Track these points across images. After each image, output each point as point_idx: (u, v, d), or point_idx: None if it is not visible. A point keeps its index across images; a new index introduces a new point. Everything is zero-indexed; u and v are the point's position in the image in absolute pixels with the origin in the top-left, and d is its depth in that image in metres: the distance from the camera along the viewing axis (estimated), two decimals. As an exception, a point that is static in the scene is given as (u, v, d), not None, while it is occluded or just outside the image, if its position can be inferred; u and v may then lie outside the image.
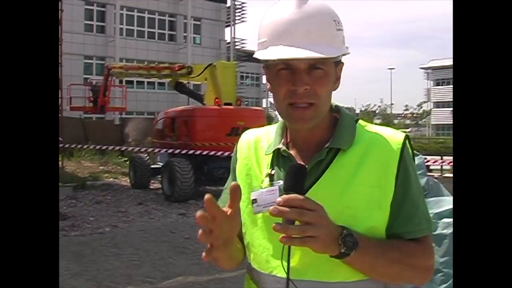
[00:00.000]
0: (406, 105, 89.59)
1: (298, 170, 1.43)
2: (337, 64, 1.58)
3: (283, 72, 1.53)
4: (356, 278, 1.50)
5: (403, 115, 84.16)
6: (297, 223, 1.37)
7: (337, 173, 1.54)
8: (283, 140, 1.67)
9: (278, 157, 1.64)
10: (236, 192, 1.40)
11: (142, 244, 8.82)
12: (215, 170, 13.83)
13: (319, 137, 1.60)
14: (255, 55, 1.59)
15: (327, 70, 1.52)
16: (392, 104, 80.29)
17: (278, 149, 1.64)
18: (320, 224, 1.36)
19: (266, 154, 1.67)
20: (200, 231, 1.38)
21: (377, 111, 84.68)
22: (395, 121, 79.54)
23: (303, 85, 1.50)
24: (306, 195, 1.44)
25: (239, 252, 1.69)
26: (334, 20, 1.53)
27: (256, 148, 1.72)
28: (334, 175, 1.54)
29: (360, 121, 1.66)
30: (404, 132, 1.64)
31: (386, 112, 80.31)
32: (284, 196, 1.36)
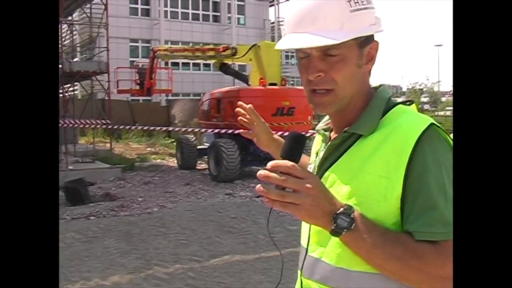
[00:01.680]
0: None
1: (295, 138, 1.42)
2: (364, 44, 1.53)
3: (303, 60, 1.54)
4: (358, 269, 1.45)
5: (451, 93, 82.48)
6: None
7: (351, 159, 1.51)
8: (328, 122, 1.72)
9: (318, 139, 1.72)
10: (252, 112, 2.25)
11: (189, 224, 8.92)
12: (261, 150, 13.84)
13: (348, 120, 1.57)
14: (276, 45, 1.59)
15: (343, 54, 1.49)
16: (439, 81, 78.53)
17: (318, 130, 1.71)
18: (304, 192, 1.31)
19: (316, 136, 1.77)
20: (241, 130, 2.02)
21: (424, 89, 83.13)
22: (443, 99, 78.00)
23: (315, 73, 1.50)
24: (323, 177, 1.51)
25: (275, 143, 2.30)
26: (349, 1, 1.47)
27: (317, 131, 1.78)
28: (348, 160, 1.52)
29: (400, 106, 1.57)
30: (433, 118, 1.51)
31: (433, 89, 78.77)
32: (273, 161, 1.34)
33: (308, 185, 1.32)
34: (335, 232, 1.37)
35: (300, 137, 1.42)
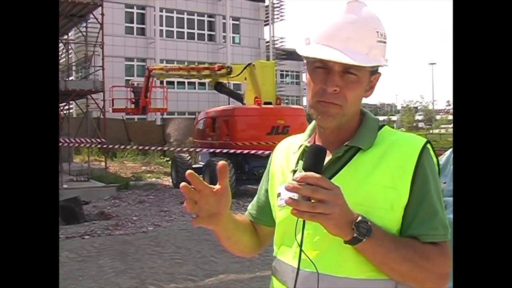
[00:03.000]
0: (448, 101, 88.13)
1: (317, 151, 1.48)
2: (373, 73, 1.64)
3: (319, 70, 1.60)
4: (362, 276, 1.52)
5: (445, 111, 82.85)
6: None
7: (353, 171, 1.59)
8: (310, 138, 1.77)
9: (304, 154, 1.70)
10: (222, 170, 1.61)
11: (184, 243, 8.90)
12: (256, 168, 13.86)
13: (343, 138, 1.65)
14: (296, 49, 1.67)
15: (360, 76, 1.58)
16: (434, 100, 78.94)
17: (304, 146, 1.73)
18: (333, 202, 1.39)
19: (294, 153, 1.77)
20: (185, 201, 1.61)
21: (418, 107, 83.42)
22: (438, 117, 78.32)
23: (333, 86, 1.57)
24: None
25: (248, 238, 1.88)
26: (377, 32, 1.59)
27: (288, 150, 1.82)
28: (351, 172, 1.59)
29: (386, 127, 1.71)
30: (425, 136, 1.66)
31: (428, 108, 79.13)
32: (301, 173, 1.41)
33: (335, 196, 1.40)
34: (356, 240, 1.44)
35: (322, 150, 1.49)
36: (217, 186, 1.63)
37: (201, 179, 1.61)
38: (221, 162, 1.62)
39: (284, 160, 1.81)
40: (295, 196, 1.39)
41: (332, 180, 1.55)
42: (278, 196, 1.64)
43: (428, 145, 1.60)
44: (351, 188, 1.53)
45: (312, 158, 1.46)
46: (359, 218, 1.44)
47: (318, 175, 1.40)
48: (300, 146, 1.75)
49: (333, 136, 1.67)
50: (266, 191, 1.88)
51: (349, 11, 1.58)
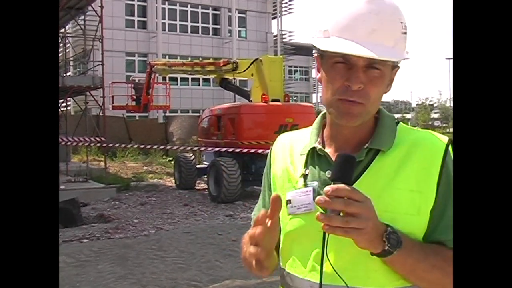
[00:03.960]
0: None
1: (346, 160, 1.44)
2: (394, 67, 1.60)
3: (339, 65, 1.54)
4: (391, 286, 1.52)
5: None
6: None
7: (375, 175, 1.55)
8: (319, 139, 1.70)
9: (313, 157, 1.67)
10: (277, 203, 1.45)
11: (187, 247, 8.90)
12: (263, 169, 13.74)
13: (360, 138, 1.63)
14: (313, 42, 1.59)
15: (383, 71, 1.54)
16: (452, 97, 78.65)
17: (314, 148, 1.68)
18: (366, 216, 1.37)
19: (301, 155, 1.70)
20: (252, 249, 1.50)
21: (435, 105, 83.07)
22: (455, 115, 78.00)
23: (358, 83, 1.51)
24: None
25: (274, 259, 1.66)
26: (401, 22, 1.55)
27: (291, 150, 1.76)
28: (372, 177, 1.55)
29: (401, 124, 1.68)
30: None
31: (445, 105, 78.87)
32: (332, 186, 1.38)
33: (368, 209, 1.39)
34: (387, 252, 1.43)
35: (351, 159, 1.45)
36: (269, 221, 1.47)
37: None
38: (275, 195, 1.46)
39: (289, 161, 1.74)
40: (311, 207, 1.39)
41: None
42: (287, 203, 1.58)
43: (451, 144, 1.58)
44: (375, 194, 1.49)
45: (341, 168, 1.43)
46: (389, 229, 1.43)
47: (349, 187, 1.38)
48: (310, 148, 1.68)
49: (351, 134, 1.63)
50: (268, 195, 1.81)
51: (371, 1, 1.52)
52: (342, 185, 1.38)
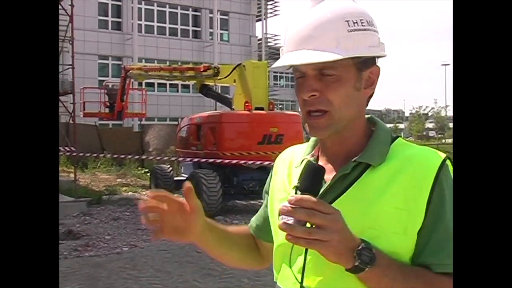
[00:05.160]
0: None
1: (314, 170, 1.47)
2: (362, 67, 1.62)
3: (299, 80, 1.63)
4: None
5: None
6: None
7: (362, 190, 1.58)
8: (313, 151, 1.77)
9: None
10: (187, 192, 1.70)
11: (164, 266, 8.87)
12: (246, 182, 13.86)
13: (348, 150, 1.66)
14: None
15: (339, 74, 1.58)
16: (447, 106, 79.57)
17: (307, 160, 1.73)
18: (332, 228, 1.39)
19: (296, 167, 1.78)
20: (143, 216, 1.67)
21: (429, 114, 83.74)
22: (451, 125, 78.77)
23: (309, 92, 1.58)
24: None
25: (238, 251, 2.00)
26: (347, 21, 1.58)
27: (290, 162, 1.84)
28: (359, 191, 1.58)
29: (400, 139, 1.70)
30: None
31: (440, 114, 79.53)
32: (297, 195, 1.41)
33: (334, 221, 1.40)
34: (358, 269, 1.43)
35: (319, 170, 1.48)
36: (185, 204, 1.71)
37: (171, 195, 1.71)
38: (187, 186, 1.70)
39: (286, 174, 1.82)
40: (290, 220, 1.39)
41: (338, 200, 1.58)
42: (279, 215, 1.59)
43: (448, 162, 1.58)
44: (360, 209, 1.54)
45: (308, 179, 1.46)
46: (362, 245, 1.43)
47: (314, 198, 1.40)
48: (303, 161, 1.75)
49: (336, 147, 1.68)
50: (266, 205, 1.91)
51: (312, 9, 1.60)
52: (306, 196, 1.40)
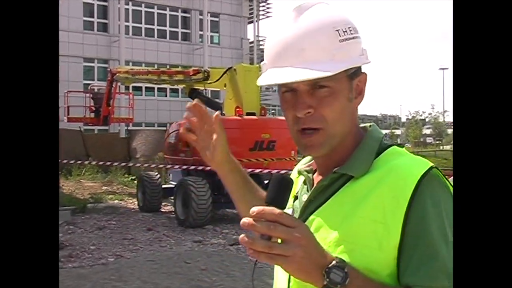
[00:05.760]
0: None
1: (280, 182, 1.44)
2: (353, 76, 1.61)
3: (286, 95, 1.61)
4: None
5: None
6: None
7: (341, 202, 1.57)
8: (312, 162, 1.78)
9: (306, 179, 1.74)
10: (216, 119, 1.92)
11: (151, 277, 8.83)
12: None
13: (338, 161, 1.64)
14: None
15: (333, 86, 1.56)
16: (445, 111, 79.91)
17: (304, 171, 1.75)
18: (295, 243, 1.34)
19: (296, 177, 1.79)
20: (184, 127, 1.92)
21: (427, 119, 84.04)
22: (449, 131, 79.15)
23: (304, 109, 1.56)
24: (307, 221, 1.56)
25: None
26: (337, 30, 1.56)
27: (298, 172, 1.83)
28: (338, 203, 1.57)
29: (394, 148, 1.66)
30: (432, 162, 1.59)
31: (438, 120, 79.83)
32: (259, 207, 1.36)
33: (298, 235, 1.35)
34: None
35: (286, 181, 1.45)
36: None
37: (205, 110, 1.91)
38: (216, 114, 1.95)
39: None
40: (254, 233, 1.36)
41: (316, 212, 1.59)
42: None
43: (433, 172, 1.52)
44: (336, 222, 1.52)
45: (274, 191, 1.43)
46: (333, 262, 1.38)
47: (277, 210, 1.36)
48: (299, 171, 1.76)
49: (327, 159, 1.66)
50: None
51: (296, 19, 1.56)
52: (270, 208, 1.36)
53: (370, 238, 1.48)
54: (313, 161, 1.77)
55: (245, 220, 1.35)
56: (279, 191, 1.43)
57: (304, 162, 1.83)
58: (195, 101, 1.90)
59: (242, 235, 1.36)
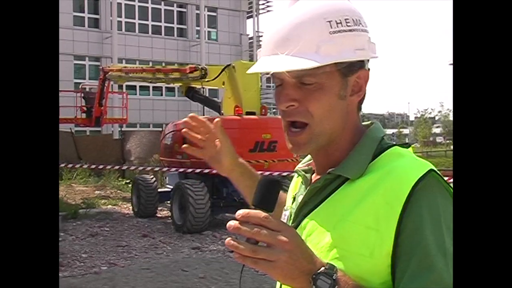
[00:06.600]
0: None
1: (267, 184, 1.45)
2: (348, 72, 1.59)
3: (278, 88, 1.62)
4: None
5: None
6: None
7: (335, 205, 1.56)
8: (311, 162, 1.78)
9: (303, 180, 1.76)
10: (217, 125, 2.09)
11: (146, 286, 8.86)
12: (236, 193, 13.80)
13: (335, 161, 1.63)
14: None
15: (321, 82, 1.55)
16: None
17: (301, 170, 1.77)
18: (279, 247, 1.34)
19: (296, 178, 1.82)
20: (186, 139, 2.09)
21: (436, 117, 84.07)
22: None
23: (287, 102, 1.57)
24: (301, 224, 1.58)
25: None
26: (329, 21, 1.54)
27: (296, 172, 1.84)
28: (331, 207, 1.57)
29: (395, 148, 1.62)
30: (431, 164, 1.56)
31: (448, 118, 79.83)
32: (245, 210, 1.37)
33: (283, 239, 1.34)
34: None
35: (274, 183, 1.45)
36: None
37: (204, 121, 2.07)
38: (216, 120, 2.11)
39: (293, 184, 1.87)
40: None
41: (309, 215, 1.59)
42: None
43: (431, 175, 1.49)
44: (329, 225, 1.52)
45: (260, 193, 1.43)
46: (322, 268, 1.38)
47: (262, 214, 1.36)
48: (297, 171, 1.77)
49: (322, 159, 1.66)
50: None
51: (291, 8, 1.57)
52: (255, 211, 1.37)
53: (362, 245, 1.47)
54: (311, 160, 1.76)
55: (231, 223, 1.36)
56: (266, 193, 1.43)
57: (304, 162, 1.84)
58: (190, 115, 2.04)
59: (228, 239, 1.37)
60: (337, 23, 1.54)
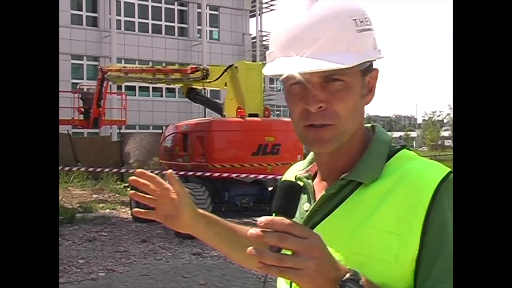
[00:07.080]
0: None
1: (288, 189, 1.43)
2: (366, 72, 1.60)
3: (295, 87, 1.58)
4: None
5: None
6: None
7: (351, 211, 1.56)
8: (310, 167, 1.77)
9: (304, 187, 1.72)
10: (171, 178, 1.85)
11: (146, 293, 8.83)
12: (238, 197, 13.81)
13: (344, 165, 1.63)
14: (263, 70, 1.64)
15: (348, 81, 1.55)
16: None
17: (300, 177, 1.75)
18: (307, 254, 1.32)
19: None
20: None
21: (445, 120, 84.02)
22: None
23: (317, 103, 1.53)
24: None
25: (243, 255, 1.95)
26: (355, 20, 1.54)
27: (297, 179, 1.80)
28: (347, 213, 1.56)
29: (404, 151, 1.65)
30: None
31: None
32: (268, 217, 1.35)
33: (310, 246, 1.33)
34: None
35: (294, 188, 1.44)
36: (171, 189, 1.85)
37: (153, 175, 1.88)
38: (169, 172, 1.91)
39: None
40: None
41: (323, 222, 1.58)
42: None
43: (451, 178, 1.50)
44: (346, 233, 1.52)
45: (282, 199, 1.42)
46: (347, 275, 1.37)
47: (288, 221, 1.34)
48: (295, 177, 1.75)
49: (330, 162, 1.65)
50: None
51: (310, 6, 1.54)
52: (279, 218, 1.35)
53: (385, 251, 1.48)
54: (310, 166, 1.76)
55: (252, 231, 1.33)
56: (288, 199, 1.41)
57: (299, 168, 1.82)
58: (138, 171, 1.89)
59: (249, 248, 1.33)
60: (360, 22, 1.55)
